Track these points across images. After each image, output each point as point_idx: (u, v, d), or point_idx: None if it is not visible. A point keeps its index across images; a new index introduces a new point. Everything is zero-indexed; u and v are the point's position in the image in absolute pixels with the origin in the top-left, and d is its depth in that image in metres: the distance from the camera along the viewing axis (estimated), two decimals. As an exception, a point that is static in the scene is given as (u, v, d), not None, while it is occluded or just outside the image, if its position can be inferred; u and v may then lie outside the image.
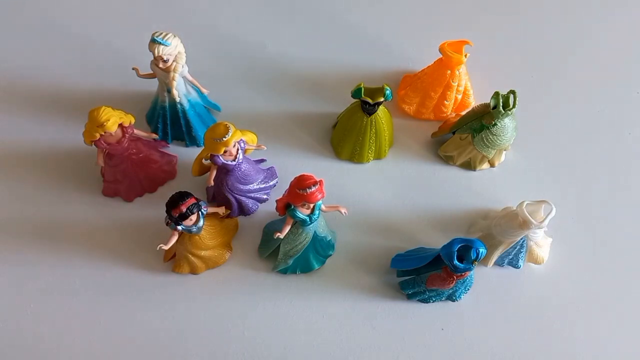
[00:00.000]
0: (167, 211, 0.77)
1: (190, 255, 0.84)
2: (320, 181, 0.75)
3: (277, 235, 0.79)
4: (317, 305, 0.86)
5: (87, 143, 0.84)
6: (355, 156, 0.96)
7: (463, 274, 0.77)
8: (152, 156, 0.91)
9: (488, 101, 0.89)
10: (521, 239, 0.84)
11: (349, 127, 0.93)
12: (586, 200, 0.95)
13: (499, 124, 0.89)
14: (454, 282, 0.78)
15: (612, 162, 0.99)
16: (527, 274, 0.89)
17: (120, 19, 1.11)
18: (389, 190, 0.94)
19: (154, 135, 0.92)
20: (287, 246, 0.84)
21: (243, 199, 0.89)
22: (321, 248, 0.86)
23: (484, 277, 0.88)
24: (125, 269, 0.86)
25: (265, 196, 0.92)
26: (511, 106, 0.87)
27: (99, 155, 0.86)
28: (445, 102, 0.98)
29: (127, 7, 1.13)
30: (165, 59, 0.84)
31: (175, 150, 0.97)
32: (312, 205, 0.77)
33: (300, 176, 0.76)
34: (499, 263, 0.88)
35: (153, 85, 0.93)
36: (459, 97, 0.99)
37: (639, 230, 0.93)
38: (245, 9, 1.14)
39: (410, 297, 0.86)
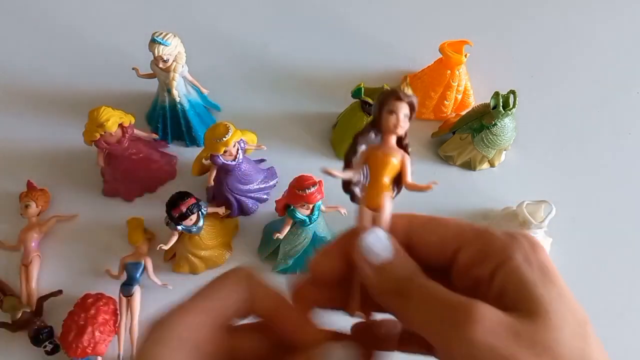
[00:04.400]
0: (167, 211, 0.77)
1: (190, 255, 0.84)
2: (320, 182, 0.75)
3: (276, 236, 0.79)
4: (317, 305, 0.86)
5: (87, 143, 0.84)
6: (355, 156, 0.95)
7: (463, 274, 0.77)
8: (152, 156, 0.91)
9: (488, 101, 0.89)
10: (521, 239, 0.84)
11: (349, 127, 0.93)
12: (586, 200, 0.95)
13: (499, 124, 0.89)
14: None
15: (613, 162, 0.99)
16: (527, 274, 0.89)
17: (120, 19, 1.11)
18: (389, 190, 0.94)
19: (154, 135, 0.92)
20: (287, 246, 0.84)
21: (243, 199, 0.89)
22: (321, 248, 0.86)
23: (484, 277, 0.87)
24: (125, 269, 0.86)
25: (265, 196, 0.92)
26: (511, 106, 0.87)
27: (99, 156, 0.86)
28: (445, 102, 0.98)
29: (127, 7, 1.13)
30: (165, 58, 0.84)
31: (175, 150, 0.97)
32: (311, 206, 0.77)
33: (300, 177, 0.76)
34: (499, 263, 0.88)
35: (153, 85, 0.93)
36: (459, 97, 0.99)
37: None
38: (245, 9, 1.14)
39: (410, 297, 0.85)
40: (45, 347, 0.77)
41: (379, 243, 0.35)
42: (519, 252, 0.33)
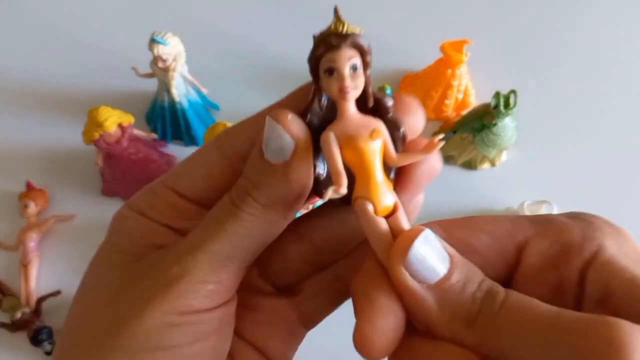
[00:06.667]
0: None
1: (189, 255, 0.84)
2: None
3: None
4: (317, 306, 0.86)
5: (86, 143, 0.84)
6: (355, 156, 0.95)
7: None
8: (151, 156, 0.91)
9: (489, 101, 0.88)
10: (522, 239, 0.84)
11: (349, 127, 0.93)
12: (588, 200, 0.94)
13: (499, 124, 0.89)
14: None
15: (613, 162, 0.98)
16: (528, 274, 0.88)
17: (120, 18, 1.11)
18: (389, 190, 0.93)
19: (153, 135, 0.92)
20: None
21: (243, 198, 0.89)
22: (321, 248, 0.86)
23: (484, 277, 0.87)
24: (124, 269, 0.86)
25: (265, 196, 0.92)
26: (512, 106, 0.86)
27: (98, 155, 0.86)
28: (446, 101, 0.98)
29: (127, 7, 1.13)
30: (164, 58, 0.84)
31: (174, 149, 0.96)
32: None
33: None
34: (500, 263, 0.88)
35: (153, 85, 0.93)
36: (460, 96, 0.99)
37: (641, 230, 0.93)
38: (245, 8, 1.14)
39: (410, 297, 0.85)
40: (44, 347, 0.77)
41: (431, 252, 0.24)
42: (609, 240, 0.25)
